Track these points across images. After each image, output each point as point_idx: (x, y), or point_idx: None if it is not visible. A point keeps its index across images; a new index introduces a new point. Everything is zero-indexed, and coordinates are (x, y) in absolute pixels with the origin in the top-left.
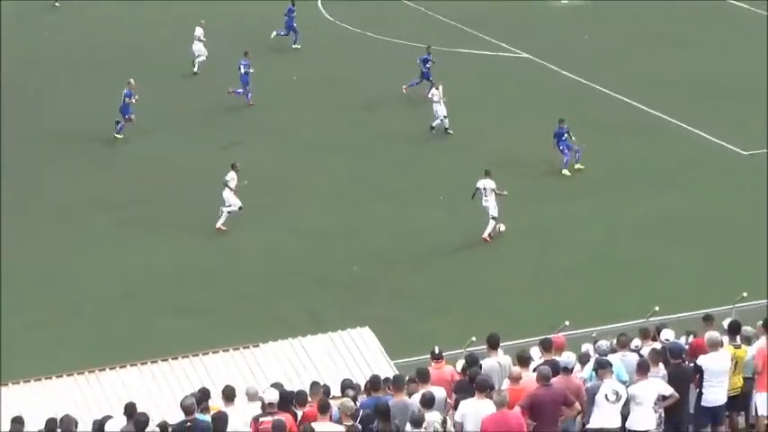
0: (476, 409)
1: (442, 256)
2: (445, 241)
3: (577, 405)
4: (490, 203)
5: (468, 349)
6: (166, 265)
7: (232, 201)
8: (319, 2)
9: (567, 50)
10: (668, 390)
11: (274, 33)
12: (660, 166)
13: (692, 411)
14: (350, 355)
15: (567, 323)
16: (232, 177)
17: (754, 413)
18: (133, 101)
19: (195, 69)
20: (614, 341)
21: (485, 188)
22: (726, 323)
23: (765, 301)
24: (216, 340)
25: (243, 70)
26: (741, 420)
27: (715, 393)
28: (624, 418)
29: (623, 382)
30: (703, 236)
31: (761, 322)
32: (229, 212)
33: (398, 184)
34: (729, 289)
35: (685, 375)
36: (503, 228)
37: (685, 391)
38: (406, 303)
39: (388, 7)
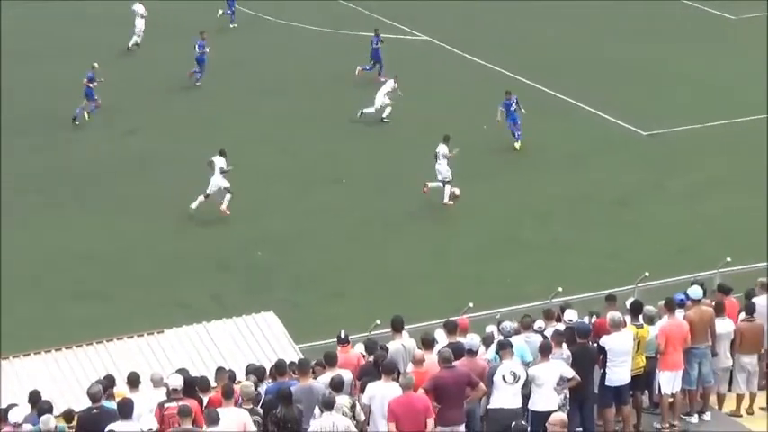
0: (382, 391)
1: (344, 239)
2: (347, 224)
3: (482, 386)
4: (442, 168)
5: (372, 333)
6: (72, 251)
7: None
8: None
9: (469, 33)
10: (570, 372)
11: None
12: (564, 147)
13: (596, 391)
14: (255, 340)
15: (471, 305)
16: (222, 162)
17: (657, 392)
18: (95, 84)
19: (130, 46)
20: (518, 323)
21: (438, 152)
22: (628, 303)
23: (668, 280)
24: (120, 327)
25: (198, 51)
26: (645, 399)
27: (618, 373)
28: (527, 398)
29: (527, 363)
30: (607, 216)
31: (663, 302)
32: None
33: (298, 168)
34: (632, 269)
35: (590, 355)
36: (457, 191)
37: (589, 371)
38: (308, 287)
39: None
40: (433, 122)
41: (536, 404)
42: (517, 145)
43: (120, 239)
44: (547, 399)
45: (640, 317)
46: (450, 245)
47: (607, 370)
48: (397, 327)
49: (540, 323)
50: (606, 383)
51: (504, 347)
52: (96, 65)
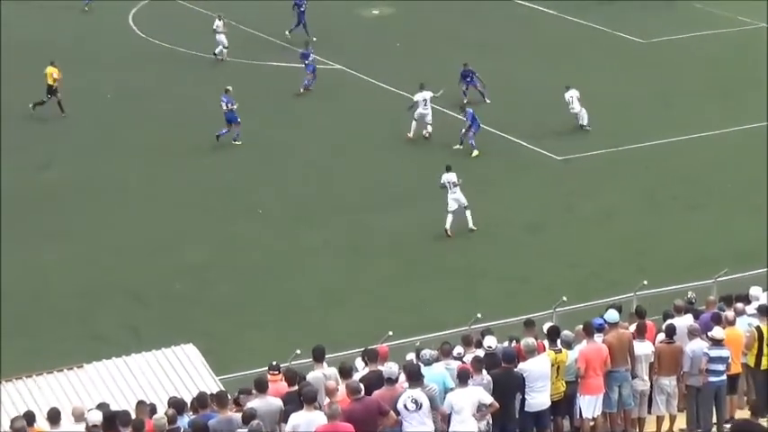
0: (306, 419)
1: (260, 269)
2: (263, 254)
3: (392, 415)
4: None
5: (292, 362)
6: None
7: None
8: (130, 17)
9: (381, 60)
10: (488, 398)
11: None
12: (477, 172)
13: (518, 416)
14: (175, 373)
15: (390, 333)
16: None
17: (578, 416)
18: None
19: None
20: (438, 350)
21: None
22: (545, 328)
23: (585, 304)
24: (37, 362)
25: (226, 107)
26: (566, 423)
27: (537, 398)
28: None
29: (447, 390)
30: (521, 240)
31: (581, 326)
32: None
33: (213, 197)
34: (549, 294)
35: (514, 381)
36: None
37: (512, 396)
38: (226, 318)
39: (193, 21)
40: (346, 149)
41: (455, 430)
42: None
43: (32, 272)
44: (466, 425)
45: (558, 341)
46: (365, 272)
47: (526, 395)
48: (319, 357)
49: (459, 349)
50: (526, 409)
51: (410, 376)
52: (230, 88)
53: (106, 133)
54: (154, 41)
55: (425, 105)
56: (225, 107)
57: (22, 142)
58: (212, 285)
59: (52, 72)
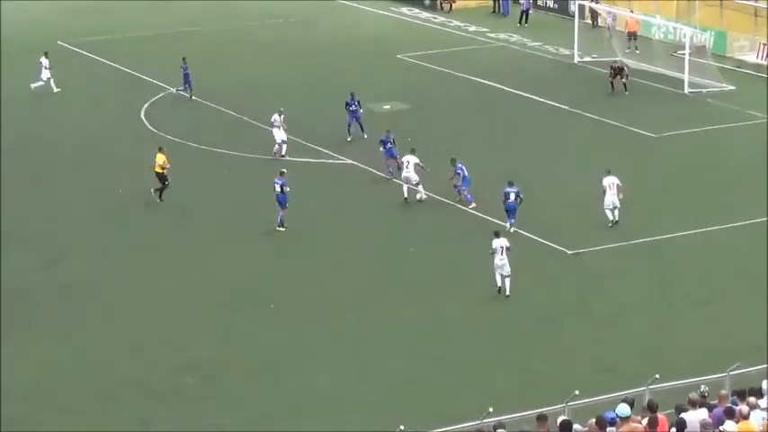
0: None
1: (271, 363)
2: (274, 349)
3: None
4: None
5: None
6: None
7: None
8: (142, 112)
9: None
10: None
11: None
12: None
13: None
14: None
15: (401, 428)
16: None
17: None
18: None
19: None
20: None
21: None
22: (558, 421)
23: (597, 398)
24: None
25: (278, 190)
26: None
27: None
28: None
29: None
30: (532, 334)
31: (593, 420)
32: None
33: (226, 291)
34: (560, 388)
35: None
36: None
37: None
38: (238, 412)
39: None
40: (355, 240)
41: None
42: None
43: (43, 368)
44: None
45: None
46: (376, 366)
47: None
48: None
49: None
50: None
51: None
52: (285, 170)
53: (118, 228)
54: (166, 136)
55: (407, 167)
56: (279, 189)
57: (32, 237)
58: (223, 380)
59: (159, 158)
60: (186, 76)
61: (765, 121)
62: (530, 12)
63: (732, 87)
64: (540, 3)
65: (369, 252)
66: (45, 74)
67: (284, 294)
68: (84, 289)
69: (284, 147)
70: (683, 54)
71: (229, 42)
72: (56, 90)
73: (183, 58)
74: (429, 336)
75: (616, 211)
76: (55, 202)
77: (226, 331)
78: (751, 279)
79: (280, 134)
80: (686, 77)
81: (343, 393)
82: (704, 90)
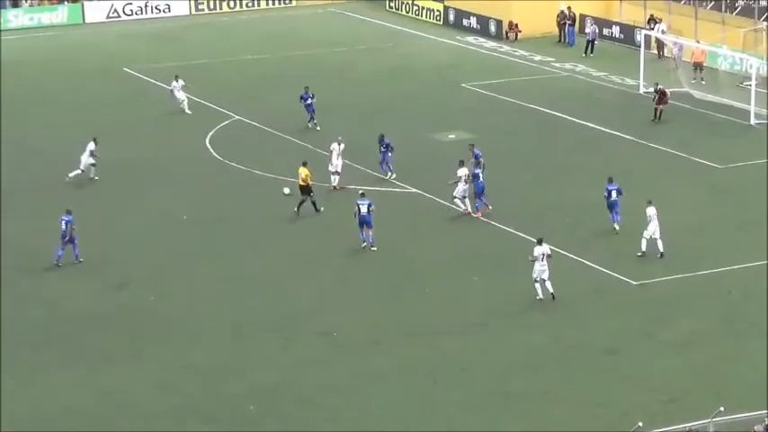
0: None
1: (332, 392)
2: (335, 377)
3: None
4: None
5: None
6: (52, 407)
7: None
8: (207, 140)
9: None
10: None
11: None
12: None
13: None
14: None
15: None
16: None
17: None
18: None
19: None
20: None
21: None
22: None
23: (661, 430)
24: None
25: (365, 210)
26: None
27: None
28: None
29: None
30: (596, 365)
31: None
32: None
33: (289, 319)
34: (624, 419)
35: None
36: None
37: None
38: None
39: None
40: (421, 271)
41: None
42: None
43: (103, 395)
44: None
45: None
46: (437, 399)
47: None
48: None
49: None
50: None
51: None
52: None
53: (181, 254)
54: (230, 163)
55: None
56: (365, 209)
57: (99, 261)
58: (285, 407)
59: (302, 172)
60: (309, 106)
61: None
62: (595, 41)
63: None
64: (605, 33)
65: (434, 279)
66: (180, 95)
67: (347, 321)
68: (148, 314)
69: (336, 178)
70: (750, 85)
71: (295, 69)
72: (188, 111)
73: (306, 88)
74: (489, 369)
75: (659, 242)
76: (121, 227)
77: (286, 359)
78: None
79: (337, 162)
80: (752, 108)
81: (402, 425)
82: None
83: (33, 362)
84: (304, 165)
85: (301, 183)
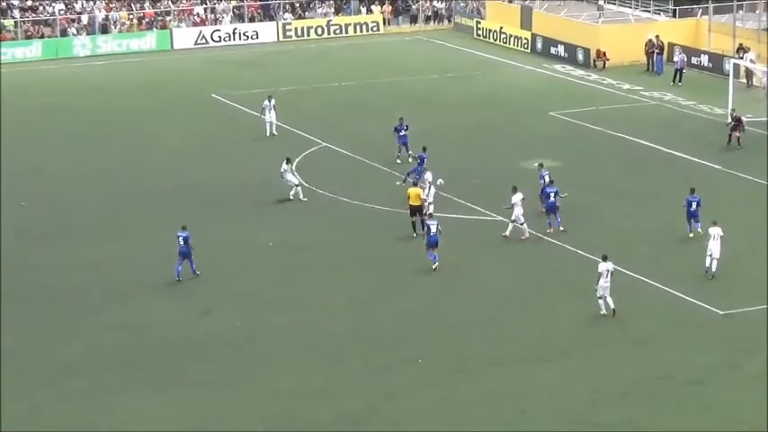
0: None
1: (417, 419)
2: (423, 404)
3: None
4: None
5: None
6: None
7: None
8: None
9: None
10: None
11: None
12: (637, 326)
13: None
14: None
15: None
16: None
17: None
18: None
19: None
20: None
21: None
22: None
23: None
24: None
25: (434, 230)
26: None
27: None
28: None
29: None
30: (682, 397)
31: None
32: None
33: (374, 346)
34: None
35: None
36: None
37: None
38: None
39: (355, 169)
40: (513, 296)
41: None
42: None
43: (188, 422)
44: None
45: None
46: (524, 428)
47: None
48: None
49: None
50: None
51: None
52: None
53: (265, 282)
54: (318, 190)
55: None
56: (434, 229)
57: (184, 287)
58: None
59: (411, 192)
60: (402, 137)
61: None
62: (684, 70)
63: None
64: (694, 61)
65: (517, 305)
66: (270, 116)
67: (433, 349)
68: (234, 341)
69: (430, 207)
70: None
71: (382, 96)
72: (275, 133)
73: (401, 119)
74: (574, 398)
75: (714, 263)
76: (206, 252)
77: (372, 386)
78: None
79: (430, 192)
80: None
81: None
82: None
83: (119, 385)
84: (414, 185)
85: (413, 202)
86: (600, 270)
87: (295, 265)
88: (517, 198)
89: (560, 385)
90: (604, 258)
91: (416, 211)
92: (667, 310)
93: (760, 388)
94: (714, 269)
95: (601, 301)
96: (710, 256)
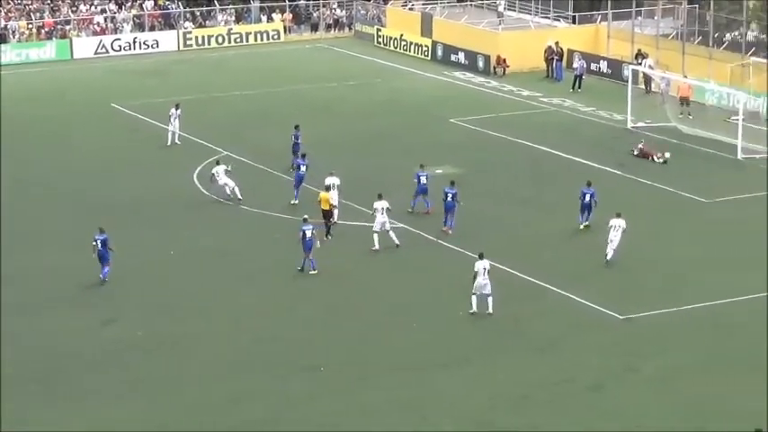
0: None
1: (318, 427)
2: (318, 412)
3: None
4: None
5: None
6: None
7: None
8: (195, 174)
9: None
10: None
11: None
12: (537, 331)
13: None
14: None
15: None
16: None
17: None
18: None
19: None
20: None
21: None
22: None
23: None
24: None
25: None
26: None
27: None
28: None
29: None
30: (581, 401)
31: None
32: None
33: (274, 356)
34: None
35: None
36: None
37: None
38: None
39: (256, 178)
40: (407, 306)
41: None
42: None
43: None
44: None
45: None
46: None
47: None
48: None
49: None
50: None
51: None
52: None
53: (169, 290)
54: (219, 199)
55: (382, 213)
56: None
57: (89, 300)
58: None
59: (322, 197)
60: (295, 146)
61: None
62: (583, 77)
63: None
64: (593, 68)
65: (417, 313)
66: (173, 125)
67: (335, 356)
68: (137, 350)
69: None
70: (737, 120)
71: (283, 105)
72: (177, 142)
73: (296, 126)
74: (474, 403)
75: (611, 252)
76: (112, 261)
77: (271, 394)
78: None
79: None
80: (740, 143)
81: None
82: (758, 156)
83: (44, 399)
84: (327, 189)
85: (325, 207)
86: (476, 269)
87: (198, 274)
88: (379, 205)
89: (461, 391)
90: (480, 256)
91: (327, 215)
92: (568, 315)
93: (657, 391)
94: (610, 257)
95: (474, 298)
96: (611, 242)
